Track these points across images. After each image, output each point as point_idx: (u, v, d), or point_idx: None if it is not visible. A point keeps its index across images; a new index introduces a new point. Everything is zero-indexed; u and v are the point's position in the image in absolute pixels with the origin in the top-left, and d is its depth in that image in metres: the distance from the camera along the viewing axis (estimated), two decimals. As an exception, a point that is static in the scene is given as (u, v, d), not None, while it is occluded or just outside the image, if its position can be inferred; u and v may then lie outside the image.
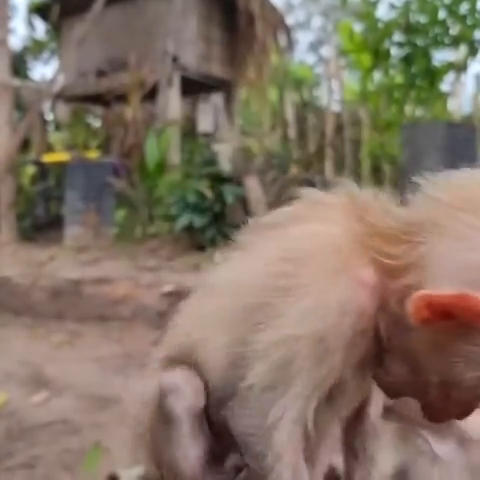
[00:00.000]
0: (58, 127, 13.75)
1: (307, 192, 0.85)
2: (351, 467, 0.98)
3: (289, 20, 18.71)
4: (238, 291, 0.84)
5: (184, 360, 0.89)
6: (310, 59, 27.80)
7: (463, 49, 8.42)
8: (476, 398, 0.77)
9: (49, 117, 13.85)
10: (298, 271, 0.78)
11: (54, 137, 13.35)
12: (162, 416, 0.87)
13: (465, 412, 0.80)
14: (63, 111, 13.56)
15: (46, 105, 12.94)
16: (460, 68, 8.58)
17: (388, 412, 1.16)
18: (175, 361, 0.91)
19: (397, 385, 0.82)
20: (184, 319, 0.92)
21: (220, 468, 0.92)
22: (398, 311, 0.74)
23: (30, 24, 16.36)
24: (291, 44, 13.55)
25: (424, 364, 0.76)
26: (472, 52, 8.17)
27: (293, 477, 0.79)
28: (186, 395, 0.86)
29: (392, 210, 0.80)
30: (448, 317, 0.69)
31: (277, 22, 12.55)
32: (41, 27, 16.30)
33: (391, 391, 0.86)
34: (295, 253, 0.80)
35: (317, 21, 30.58)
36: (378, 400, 1.03)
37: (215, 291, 0.89)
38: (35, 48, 16.32)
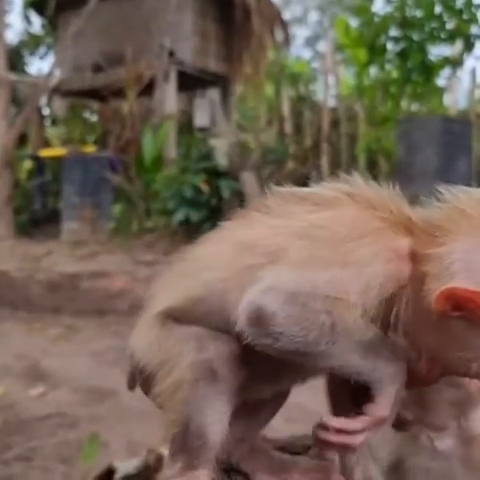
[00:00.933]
0: (55, 122, 13.74)
1: (329, 183, 0.96)
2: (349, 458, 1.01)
3: (286, 15, 18.72)
4: (274, 249, 0.90)
5: (186, 313, 0.93)
6: (306, 54, 27.81)
7: (459, 44, 8.43)
8: (455, 374, 0.89)
9: (46, 112, 13.83)
10: (342, 237, 0.87)
11: (51, 132, 13.34)
12: (208, 377, 0.90)
13: (436, 380, 0.91)
14: (60, 106, 13.55)
15: (43, 100, 12.92)
16: (456, 63, 8.58)
17: None
18: (185, 310, 0.94)
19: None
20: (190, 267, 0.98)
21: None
22: (416, 291, 0.84)
23: (26, 18, 16.30)
24: (287, 39, 13.53)
25: (423, 340, 0.86)
26: (468, 47, 8.17)
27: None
28: (232, 362, 0.90)
29: (408, 206, 0.92)
30: (459, 308, 0.80)
31: (273, 17, 12.54)
32: (37, 21, 16.23)
33: None
34: (338, 226, 0.88)
35: (313, 16, 30.56)
36: None
37: (241, 246, 0.94)
38: (31, 43, 16.28)
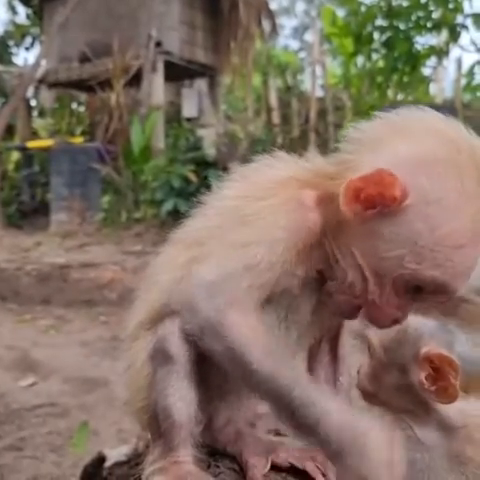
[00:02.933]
0: (42, 113, 13.66)
1: (259, 159, 1.04)
2: None
3: (273, 5, 18.66)
4: (206, 234, 0.97)
5: (160, 316, 0.98)
6: (294, 44, 27.74)
7: (445, 33, 8.45)
8: (403, 287, 0.90)
9: (33, 103, 13.74)
10: (250, 204, 0.94)
11: (38, 123, 13.26)
12: (162, 357, 0.95)
13: (401, 309, 0.92)
14: (47, 97, 13.46)
15: (30, 91, 12.84)
16: (442, 52, 8.60)
17: (371, 398, 1.22)
18: (152, 320, 0.99)
19: (345, 291, 0.94)
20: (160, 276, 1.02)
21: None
22: (338, 217, 0.90)
23: (12, 9, 16.17)
24: (275, 29, 13.48)
25: (359, 256, 0.90)
26: (454, 36, 8.19)
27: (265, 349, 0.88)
28: (185, 339, 0.94)
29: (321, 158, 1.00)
30: (370, 205, 0.86)
31: (261, 7, 12.50)
32: (23, 12, 16.08)
33: (343, 306, 0.97)
34: (247, 192, 0.97)
35: (301, 6, 30.44)
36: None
37: (182, 242, 1.02)
38: (17, 33, 16.14)
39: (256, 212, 0.92)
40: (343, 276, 0.92)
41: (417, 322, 1.11)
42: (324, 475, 1.00)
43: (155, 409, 0.95)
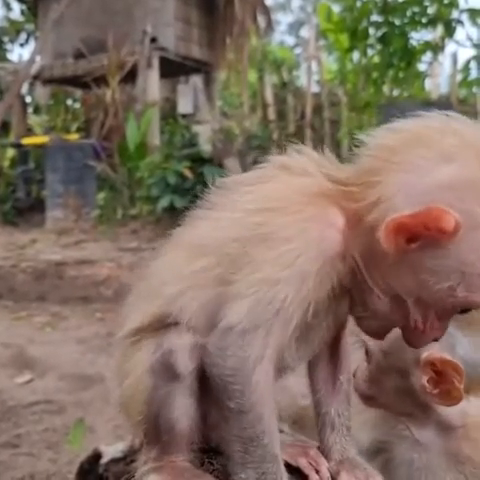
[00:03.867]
0: (37, 109, 13.62)
1: (272, 158, 0.96)
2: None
3: (268, 1, 18.58)
4: (219, 245, 0.91)
5: (162, 324, 0.95)
6: (290, 40, 27.72)
7: (440, 29, 8.44)
8: (449, 312, 0.87)
9: (28, 99, 13.71)
10: (274, 220, 0.87)
11: (33, 119, 13.23)
12: (169, 374, 0.93)
13: (441, 330, 0.89)
14: (42, 93, 13.42)
15: (24, 87, 12.81)
16: (437, 48, 8.59)
17: (370, 401, 1.23)
18: (152, 327, 0.96)
19: (378, 317, 0.90)
20: (158, 283, 0.98)
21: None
22: (371, 245, 0.84)
23: (6, 5, 16.10)
24: (270, 25, 13.47)
25: (399, 287, 0.85)
26: (449, 32, 8.18)
27: (271, 414, 0.87)
28: (193, 355, 0.92)
29: (341, 164, 0.93)
30: (414, 238, 0.80)
31: (256, 3, 12.47)
32: (17, 8, 16.04)
33: (374, 328, 0.94)
34: (270, 204, 0.89)
35: (296, 2, 30.42)
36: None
37: (190, 249, 0.95)
38: (12, 29, 16.08)
39: (280, 231, 0.86)
40: (376, 303, 0.88)
41: None
42: (317, 471, 1.00)
43: (156, 421, 0.94)
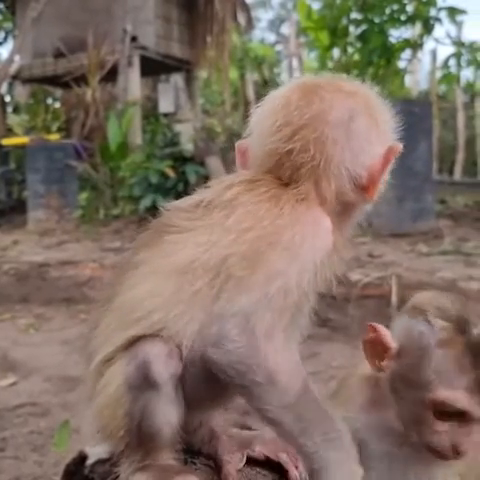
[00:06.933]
0: (17, 109, 13.51)
1: (215, 181, 1.03)
2: None
3: (248, -3, 18.56)
4: (214, 264, 0.92)
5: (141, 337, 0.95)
6: (270, 37, 27.73)
7: (419, 26, 8.52)
8: None
9: (7, 99, 13.59)
10: (269, 231, 0.92)
11: (13, 119, 13.11)
12: (146, 384, 0.92)
13: None
14: (21, 93, 13.33)
15: (3, 87, 12.70)
16: (416, 45, 8.67)
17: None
18: (125, 347, 0.96)
19: None
20: (145, 299, 0.96)
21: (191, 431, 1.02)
22: (344, 217, 1.01)
23: (-16, 3, 15.93)
24: (251, 22, 13.49)
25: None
26: (427, 29, 8.27)
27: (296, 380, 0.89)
28: (169, 363, 0.92)
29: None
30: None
31: (236, 0, 12.49)
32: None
33: None
34: (259, 221, 0.93)
35: (277, -2, 30.42)
36: None
37: (178, 274, 0.94)
38: (-10, 28, 15.93)
39: (276, 234, 0.92)
40: None
41: None
42: (296, 467, 1.03)
43: (138, 432, 0.95)
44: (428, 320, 1.16)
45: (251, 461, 1.06)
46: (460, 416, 1.13)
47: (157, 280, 0.95)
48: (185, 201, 1.01)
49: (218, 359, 0.88)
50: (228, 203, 0.96)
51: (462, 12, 8.56)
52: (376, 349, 1.20)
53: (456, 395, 1.11)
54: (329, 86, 0.99)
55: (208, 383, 0.95)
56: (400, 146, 0.99)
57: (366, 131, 0.97)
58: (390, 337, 1.20)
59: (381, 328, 1.21)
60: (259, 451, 1.06)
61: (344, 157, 0.95)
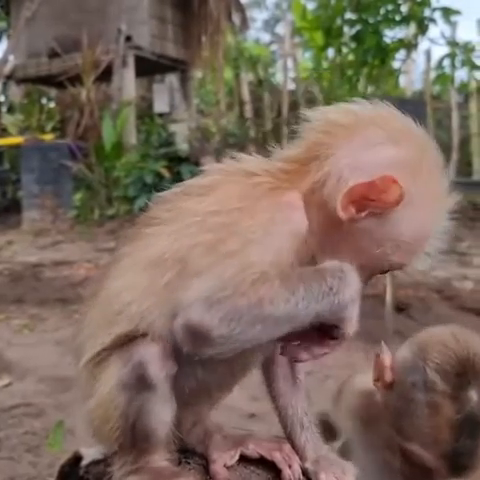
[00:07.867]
0: (11, 109, 13.49)
1: (210, 166, 1.02)
2: None
3: (243, -3, 18.57)
4: (182, 255, 0.91)
5: (128, 339, 0.95)
6: (265, 37, 27.75)
7: (413, 26, 8.53)
8: (378, 272, 0.96)
9: (1, 99, 13.57)
10: (241, 218, 0.90)
11: (8, 119, 13.09)
12: (142, 384, 0.92)
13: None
14: (16, 92, 13.30)
15: (-2, 87, 12.70)
16: (410, 45, 8.69)
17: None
18: (116, 344, 0.96)
19: None
20: (125, 297, 0.96)
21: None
22: (324, 219, 0.92)
23: (-22, 3, 15.89)
24: (245, 22, 13.49)
25: (345, 255, 0.91)
26: (422, 29, 8.29)
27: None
28: (165, 363, 0.92)
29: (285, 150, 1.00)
30: (363, 207, 0.89)
31: (231, 1, 12.48)
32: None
33: None
34: (231, 205, 0.92)
35: (272, -2, 30.44)
36: None
37: (151, 267, 0.94)
38: (-16, 28, 15.88)
39: (249, 226, 0.90)
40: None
41: None
42: (290, 466, 1.03)
43: (133, 432, 0.95)
44: (426, 373, 1.15)
45: (245, 460, 1.06)
46: (426, 469, 1.14)
47: (134, 273, 0.96)
48: (170, 190, 1.02)
49: (189, 350, 0.87)
50: (204, 189, 0.96)
51: (456, 12, 8.58)
52: (377, 371, 1.22)
53: (427, 456, 1.13)
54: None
55: (199, 382, 0.96)
56: (402, 191, 0.89)
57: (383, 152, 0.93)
58: (389, 368, 1.20)
59: (385, 355, 1.22)
60: (253, 449, 1.06)
61: (348, 158, 0.92)
